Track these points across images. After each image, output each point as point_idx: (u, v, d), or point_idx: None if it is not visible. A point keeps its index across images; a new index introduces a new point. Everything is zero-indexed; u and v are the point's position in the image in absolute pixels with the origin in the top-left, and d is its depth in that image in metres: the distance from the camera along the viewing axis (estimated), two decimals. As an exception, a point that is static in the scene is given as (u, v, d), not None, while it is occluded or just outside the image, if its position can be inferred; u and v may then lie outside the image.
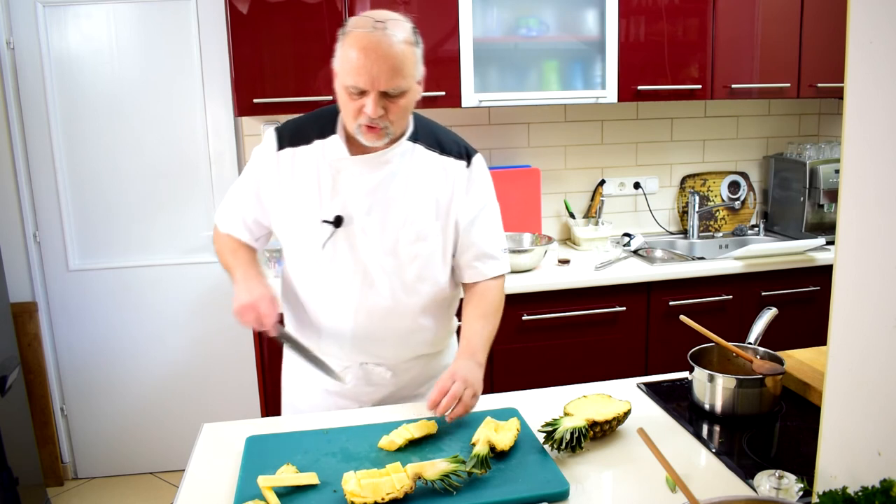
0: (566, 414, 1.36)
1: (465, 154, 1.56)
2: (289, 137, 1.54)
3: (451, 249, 1.58)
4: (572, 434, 1.28)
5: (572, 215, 3.14)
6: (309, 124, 1.55)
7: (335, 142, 1.50)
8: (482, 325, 1.54)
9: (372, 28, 1.35)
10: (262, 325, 1.45)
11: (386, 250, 1.51)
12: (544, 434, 1.31)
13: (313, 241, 1.51)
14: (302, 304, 1.61)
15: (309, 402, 1.67)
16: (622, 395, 1.52)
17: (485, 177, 1.59)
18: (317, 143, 1.51)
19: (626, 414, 1.38)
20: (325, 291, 1.56)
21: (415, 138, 1.53)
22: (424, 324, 1.59)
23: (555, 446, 1.28)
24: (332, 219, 1.49)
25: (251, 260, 1.58)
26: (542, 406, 1.50)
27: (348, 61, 1.36)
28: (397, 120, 1.43)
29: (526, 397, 1.58)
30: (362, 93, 1.37)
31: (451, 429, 1.38)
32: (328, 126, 1.52)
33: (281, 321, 1.51)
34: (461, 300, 1.67)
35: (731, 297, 2.75)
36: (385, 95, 1.38)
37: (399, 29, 1.37)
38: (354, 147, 1.49)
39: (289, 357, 1.72)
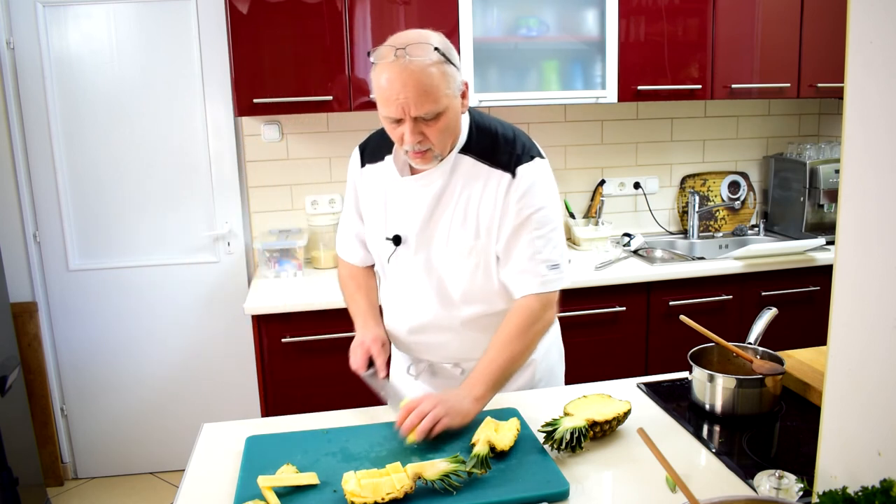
0: (566, 414, 1.36)
1: (514, 162, 1.48)
2: (367, 155, 1.63)
3: (496, 266, 1.55)
4: (572, 434, 1.28)
5: (572, 215, 3.14)
6: (382, 140, 1.58)
7: (388, 163, 1.56)
8: (496, 353, 1.45)
9: (394, 57, 1.33)
10: (368, 363, 1.54)
11: (436, 265, 1.54)
12: (544, 434, 1.31)
13: (383, 256, 1.61)
14: (385, 313, 1.70)
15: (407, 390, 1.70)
16: (622, 395, 1.52)
17: (531, 187, 1.48)
18: (387, 159, 1.57)
19: (626, 414, 1.38)
20: (392, 299, 1.66)
21: (466, 148, 1.51)
22: (479, 334, 1.57)
23: (555, 446, 1.28)
24: (391, 237, 1.56)
25: (370, 303, 1.68)
26: (542, 406, 1.50)
27: (379, 91, 1.37)
28: (439, 142, 1.43)
29: (526, 397, 1.58)
30: (399, 121, 1.39)
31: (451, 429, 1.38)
32: (390, 144, 1.55)
33: (372, 364, 1.56)
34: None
35: (731, 297, 2.75)
36: (420, 120, 1.38)
37: (421, 51, 1.34)
38: (410, 168, 1.53)
39: (394, 362, 1.78)
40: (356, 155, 1.65)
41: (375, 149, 1.61)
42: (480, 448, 1.23)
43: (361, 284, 1.72)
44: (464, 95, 1.46)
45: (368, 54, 1.43)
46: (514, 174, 1.48)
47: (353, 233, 1.71)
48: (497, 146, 1.51)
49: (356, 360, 1.55)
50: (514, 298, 1.53)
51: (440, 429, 1.32)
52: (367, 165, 1.62)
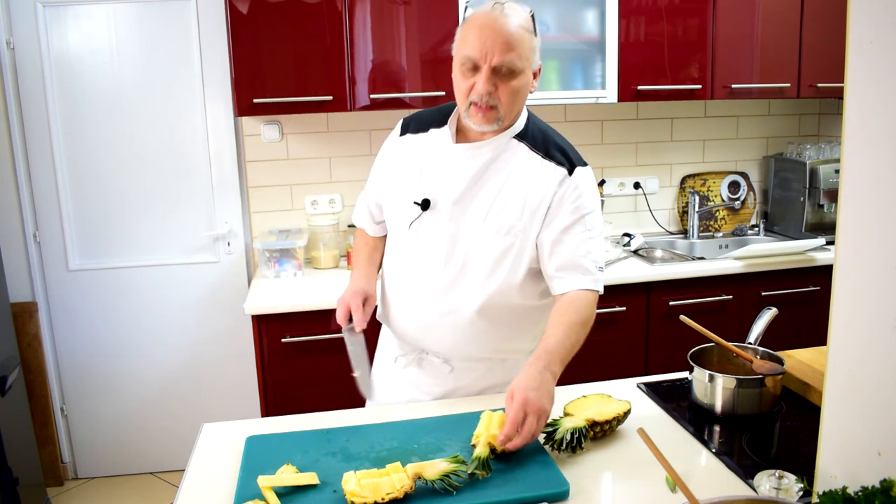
0: (566, 414, 1.36)
1: (569, 162, 1.51)
2: (412, 126, 1.63)
3: (531, 254, 1.52)
4: (572, 434, 1.28)
5: (572, 215, 3.14)
6: (432, 115, 1.61)
7: (444, 130, 1.56)
8: (565, 334, 1.41)
9: (491, 7, 1.42)
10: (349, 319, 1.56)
11: (464, 239, 1.52)
12: (545, 435, 1.31)
13: (403, 221, 1.57)
14: (387, 281, 1.67)
15: (386, 388, 1.69)
16: (622, 395, 1.52)
17: (586, 190, 1.52)
18: (432, 131, 1.58)
19: (626, 414, 1.38)
20: (402, 273, 1.61)
21: (522, 136, 1.53)
22: (483, 322, 1.54)
23: (555, 447, 1.28)
24: (420, 201, 1.53)
25: (368, 258, 1.71)
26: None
27: (464, 38, 1.43)
28: (508, 102, 1.44)
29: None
30: (475, 70, 1.41)
31: (450, 427, 1.38)
32: (446, 117, 1.57)
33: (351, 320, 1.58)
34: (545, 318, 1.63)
35: (731, 297, 2.75)
36: (496, 73, 1.41)
37: (517, 12, 1.42)
38: (461, 137, 1.54)
39: (380, 343, 1.77)
40: (399, 125, 1.66)
41: (422, 121, 1.62)
42: (481, 450, 1.22)
43: (368, 242, 1.74)
44: (535, 76, 1.49)
45: (465, 9, 1.48)
46: (571, 171, 1.51)
47: (365, 201, 1.73)
48: (551, 143, 1.54)
49: (339, 314, 1.58)
50: (557, 293, 1.51)
51: (543, 424, 1.28)
52: (408, 135, 1.62)
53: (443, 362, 1.61)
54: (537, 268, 1.55)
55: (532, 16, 1.46)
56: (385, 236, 1.72)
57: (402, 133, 1.63)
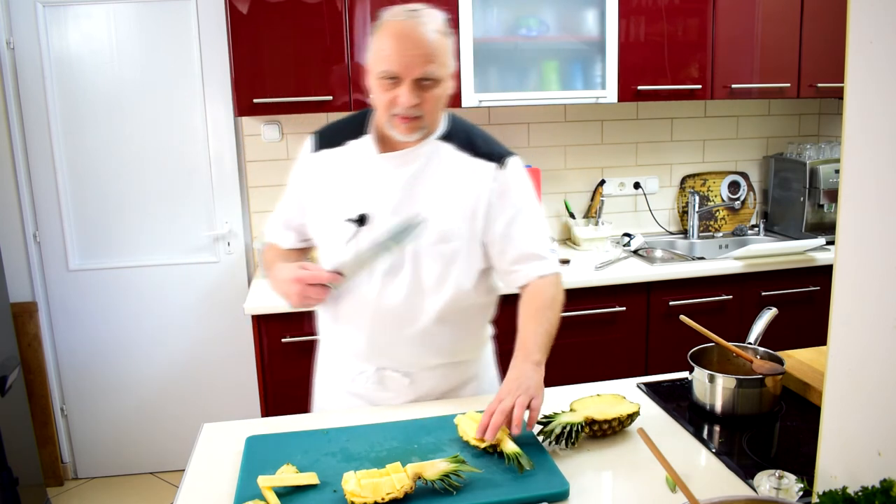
0: (571, 410, 1.37)
1: (498, 157, 1.52)
2: (325, 140, 1.57)
3: (479, 254, 1.53)
4: (564, 428, 1.28)
5: (572, 215, 3.14)
6: (343, 127, 1.57)
7: (366, 141, 1.51)
8: (536, 323, 1.45)
9: (405, 16, 1.38)
10: (311, 291, 1.43)
11: (409, 251, 1.48)
12: (540, 426, 1.31)
13: (338, 240, 1.51)
14: (328, 310, 1.59)
15: (335, 405, 1.64)
16: (622, 395, 1.51)
17: (520, 179, 1.54)
18: (350, 143, 1.53)
19: (631, 417, 1.37)
20: (349, 294, 1.53)
21: (446, 137, 1.51)
22: (441, 329, 1.54)
23: (548, 439, 1.29)
24: (356, 217, 1.49)
25: (286, 257, 1.60)
26: (547, 405, 1.48)
27: (382, 50, 1.38)
28: (431, 112, 1.43)
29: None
30: (396, 82, 1.38)
31: (451, 427, 1.38)
32: (361, 127, 1.53)
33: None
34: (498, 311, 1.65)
35: (731, 297, 2.75)
36: (419, 85, 1.38)
37: (432, 18, 1.40)
38: (385, 146, 1.50)
39: (321, 360, 1.71)
40: (309, 141, 1.59)
41: (335, 134, 1.56)
42: (508, 448, 1.23)
43: (283, 253, 1.63)
44: (453, 79, 1.47)
45: (373, 20, 1.42)
46: (502, 165, 1.51)
47: (283, 220, 1.64)
48: (476, 139, 1.54)
49: (318, 276, 1.44)
50: (518, 285, 1.54)
51: (537, 413, 1.30)
52: (323, 150, 1.56)
53: (403, 375, 1.58)
54: (487, 266, 1.56)
55: (446, 19, 1.43)
56: (304, 250, 1.67)
57: (317, 149, 1.57)
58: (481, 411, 1.33)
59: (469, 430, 1.31)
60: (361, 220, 1.48)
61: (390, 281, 1.50)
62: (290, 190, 1.63)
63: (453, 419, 1.39)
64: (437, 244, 1.48)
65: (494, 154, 1.52)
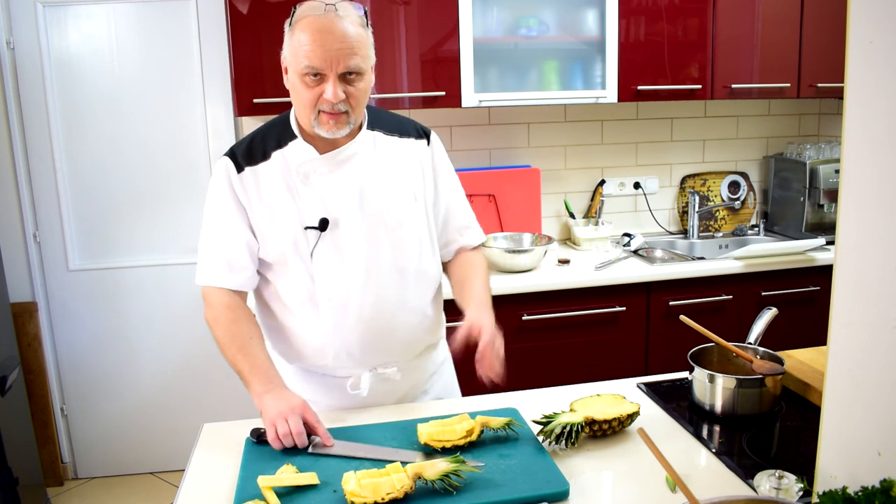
0: (571, 410, 1.37)
1: (423, 133, 1.58)
2: (246, 158, 1.47)
3: (434, 226, 1.59)
4: (563, 428, 1.28)
5: (572, 215, 3.14)
6: (260, 140, 1.50)
7: (299, 145, 1.46)
8: (482, 281, 1.58)
9: (323, 10, 1.35)
10: (300, 438, 1.31)
11: (374, 243, 1.48)
12: (540, 426, 1.32)
13: (301, 253, 1.46)
14: (294, 328, 1.53)
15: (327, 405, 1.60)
16: (622, 395, 1.51)
17: (444, 151, 1.63)
18: (276, 154, 1.47)
19: (631, 417, 1.37)
20: (325, 303, 1.48)
21: (372, 126, 1.52)
22: (429, 313, 1.59)
23: (548, 438, 1.29)
24: (316, 223, 1.45)
25: (267, 360, 1.49)
26: (547, 405, 1.48)
27: (302, 46, 1.34)
28: (357, 105, 1.42)
29: (532, 396, 1.58)
30: (320, 78, 1.36)
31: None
32: (283, 135, 1.48)
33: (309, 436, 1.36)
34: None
35: (731, 297, 2.75)
36: (344, 79, 1.37)
37: (350, 10, 1.38)
38: (318, 147, 1.46)
39: (296, 380, 1.63)
40: (226, 164, 1.47)
41: (254, 150, 1.48)
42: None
43: (254, 332, 1.52)
44: (373, 71, 1.46)
45: (292, 11, 1.38)
46: (428, 141, 1.58)
47: (223, 257, 1.51)
48: (394, 121, 1.58)
49: (294, 426, 1.31)
50: (448, 257, 1.66)
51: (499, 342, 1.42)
52: (247, 169, 1.46)
53: (395, 371, 1.57)
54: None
55: (364, 12, 1.42)
56: (243, 294, 1.56)
57: (240, 170, 1.46)
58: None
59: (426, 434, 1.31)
60: (323, 226, 1.45)
61: (373, 281, 1.49)
62: (219, 222, 1.50)
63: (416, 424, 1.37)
64: (397, 230, 1.51)
65: (419, 131, 1.58)
